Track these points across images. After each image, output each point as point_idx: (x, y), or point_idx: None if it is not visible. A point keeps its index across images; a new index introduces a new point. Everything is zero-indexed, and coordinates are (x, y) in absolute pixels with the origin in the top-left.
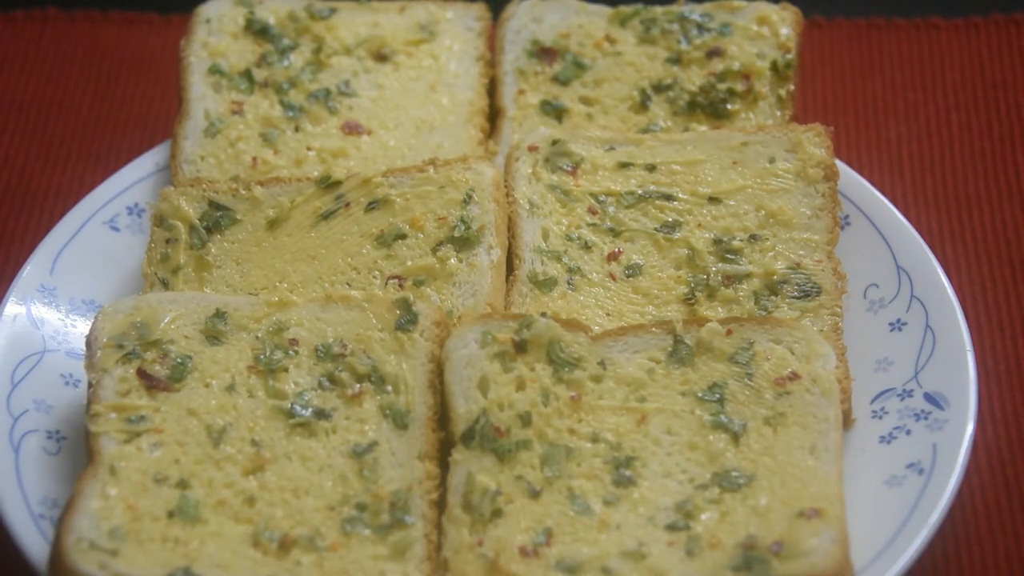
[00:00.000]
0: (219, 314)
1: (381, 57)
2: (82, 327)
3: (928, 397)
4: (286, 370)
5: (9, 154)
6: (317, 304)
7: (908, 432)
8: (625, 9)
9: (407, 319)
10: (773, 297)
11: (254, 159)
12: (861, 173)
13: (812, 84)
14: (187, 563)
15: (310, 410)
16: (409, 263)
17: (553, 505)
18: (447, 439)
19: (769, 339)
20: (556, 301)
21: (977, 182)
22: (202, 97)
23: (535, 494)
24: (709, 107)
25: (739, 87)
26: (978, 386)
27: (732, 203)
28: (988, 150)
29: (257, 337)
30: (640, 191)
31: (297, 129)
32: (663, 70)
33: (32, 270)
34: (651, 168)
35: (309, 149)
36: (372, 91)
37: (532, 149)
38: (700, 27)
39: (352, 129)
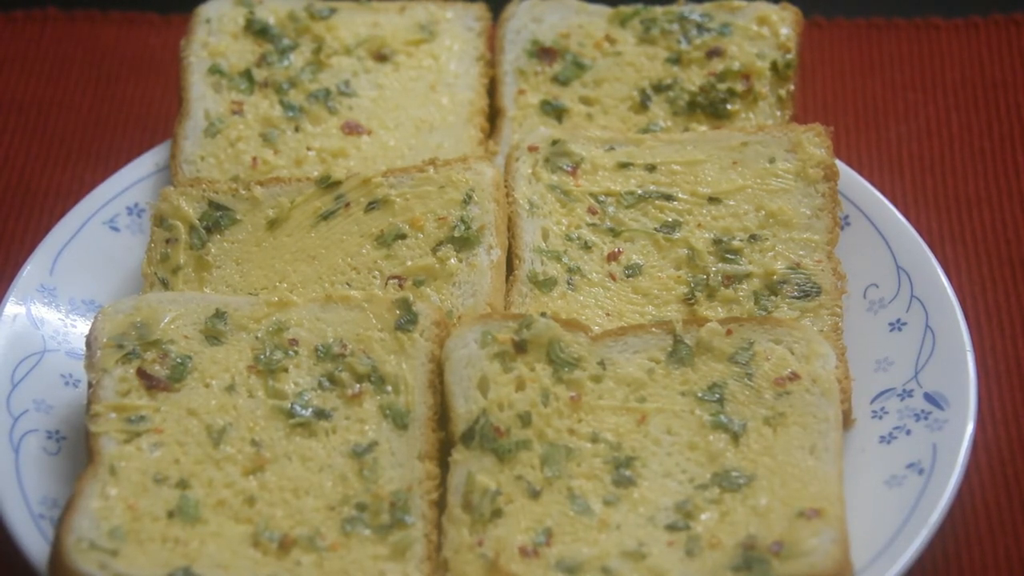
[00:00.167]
0: (219, 314)
1: (381, 57)
2: (82, 327)
3: (928, 397)
4: (286, 370)
5: (9, 154)
6: (317, 304)
7: (908, 432)
8: (625, 9)
9: (407, 319)
10: (773, 297)
11: (254, 159)
12: (861, 173)
13: (812, 84)
14: (187, 563)
15: (310, 410)
16: (409, 263)
17: (553, 505)
18: (447, 439)
19: (769, 339)
20: (556, 301)
21: (977, 182)
22: (202, 97)
23: (535, 494)
24: (709, 107)
25: (739, 87)
26: (978, 386)
27: (732, 203)
28: (988, 150)
29: (257, 337)
30: (640, 191)
31: (297, 129)
32: (663, 70)
33: (32, 270)
34: (651, 168)
35: (309, 149)
36: (372, 91)
37: (532, 149)
38: (700, 27)
39: (352, 129)
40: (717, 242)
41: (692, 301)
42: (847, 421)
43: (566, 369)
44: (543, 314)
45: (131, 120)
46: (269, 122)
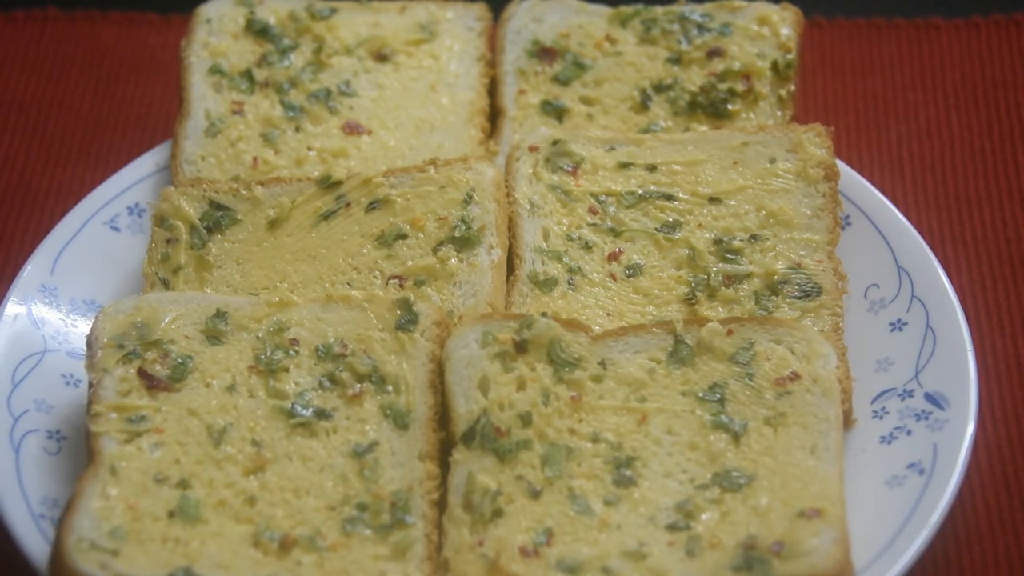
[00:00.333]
0: (220, 314)
1: (381, 57)
2: (83, 327)
3: (929, 397)
4: (287, 370)
5: (9, 154)
6: (318, 304)
7: (909, 432)
8: (625, 9)
9: (408, 319)
10: (774, 297)
11: (254, 159)
12: (861, 173)
13: (812, 84)
14: (188, 563)
15: (311, 410)
16: (410, 263)
17: (553, 505)
18: (447, 439)
19: (770, 339)
20: (556, 301)
21: (977, 182)
22: (203, 97)
23: (535, 494)
24: (709, 107)
25: (739, 87)
26: (978, 386)
27: (732, 203)
28: (988, 150)
29: (258, 337)
30: (641, 191)
31: (298, 129)
32: (663, 70)
33: (33, 270)
34: (651, 168)
35: (310, 149)
36: (372, 91)
37: (533, 149)
38: (700, 27)
39: (352, 129)
40: (718, 242)
41: (693, 301)
42: (848, 421)
43: (567, 369)
44: (544, 314)
45: (131, 120)
46: (270, 122)
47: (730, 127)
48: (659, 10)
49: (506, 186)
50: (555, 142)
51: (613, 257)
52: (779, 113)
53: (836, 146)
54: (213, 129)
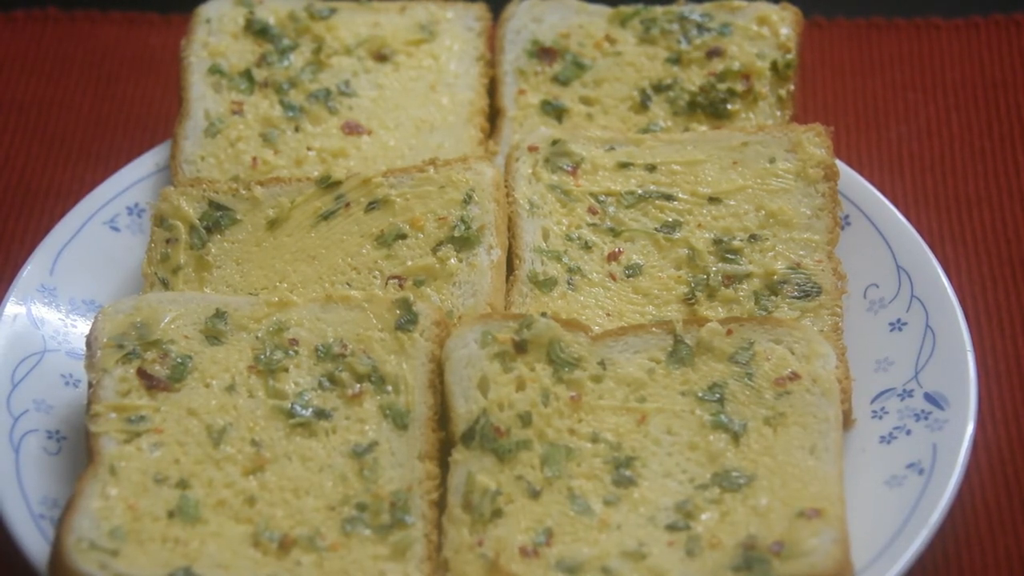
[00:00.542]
0: (219, 314)
1: (381, 57)
2: (82, 327)
3: (928, 397)
4: (286, 370)
5: (9, 154)
6: (317, 304)
7: (908, 432)
8: (625, 9)
9: (407, 319)
10: (773, 297)
11: (254, 159)
12: (861, 173)
13: (812, 84)
14: (187, 563)
15: (310, 410)
16: (409, 263)
17: (553, 505)
18: (447, 439)
19: (769, 339)
20: (556, 301)
21: (977, 182)
22: (202, 97)
23: (535, 494)
24: (709, 107)
25: (739, 87)
26: (978, 386)
27: (732, 203)
28: (988, 150)
29: (257, 337)
30: (640, 191)
31: (297, 129)
32: (663, 70)
33: (32, 270)
34: (651, 168)
35: (309, 149)
36: (372, 91)
37: (532, 149)
38: (700, 27)
39: (352, 129)
40: (717, 242)
41: (692, 301)
42: (847, 421)
43: (566, 369)
44: (543, 314)
45: (131, 120)
46: (269, 122)
47: (730, 127)
48: (659, 10)
49: (506, 186)
50: (555, 142)
51: (613, 257)
52: (779, 113)
53: (836, 146)
54: (213, 129)
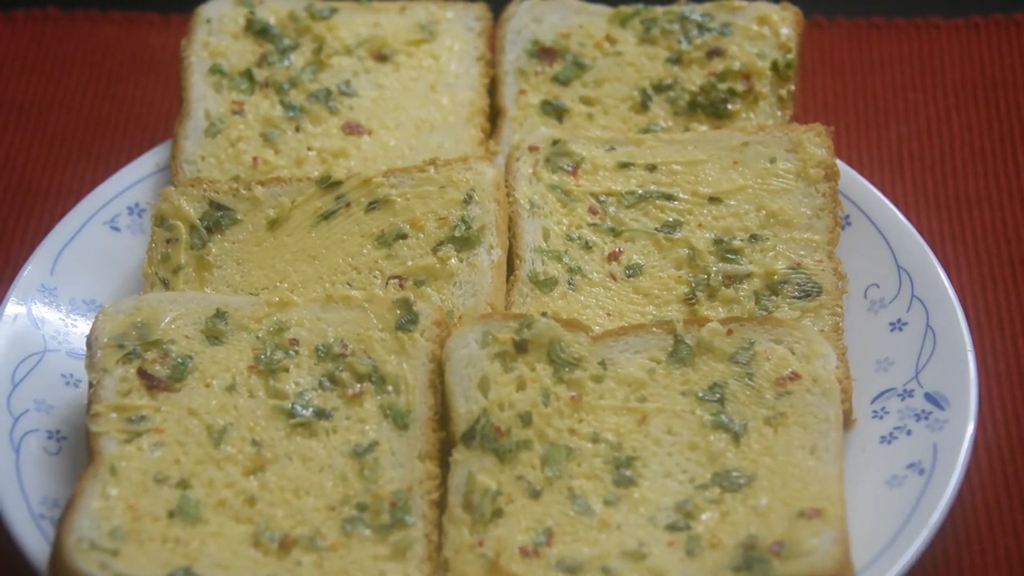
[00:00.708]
0: (220, 314)
1: (381, 57)
2: (83, 327)
3: (929, 397)
4: (287, 370)
5: (9, 154)
6: (318, 304)
7: (909, 432)
8: (625, 9)
9: (408, 319)
10: (774, 297)
11: (254, 159)
12: (861, 173)
13: (812, 84)
14: (188, 563)
15: (311, 410)
16: (410, 263)
17: (553, 505)
18: (447, 439)
19: (770, 339)
20: (556, 301)
21: (977, 182)
22: (203, 97)
23: (535, 494)
24: (710, 107)
25: (739, 87)
26: (978, 386)
27: (733, 203)
28: (988, 150)
29: (258, 337)
30: (641, 191)
31: (298, 129)
32: (663, 70)
33: (33, 270)
34: (652, 168)
35: (310, 149)
36: (372, 91)
37: (533, 149)
38: (700, 27)
39: (352, 129)
40: (718, 242)
41: (693, 301)
42: (848, 421)
43: (567, 369)
44: (544, 314)
45: (131, 120)
46: (270, 122)
47: (730, 127)
48: (659, 10)
49: (506, 186)
50: (555, 142)
51: (613, 257)
52: (779, 113)
53: (836, 146)
54: (213, 129)
